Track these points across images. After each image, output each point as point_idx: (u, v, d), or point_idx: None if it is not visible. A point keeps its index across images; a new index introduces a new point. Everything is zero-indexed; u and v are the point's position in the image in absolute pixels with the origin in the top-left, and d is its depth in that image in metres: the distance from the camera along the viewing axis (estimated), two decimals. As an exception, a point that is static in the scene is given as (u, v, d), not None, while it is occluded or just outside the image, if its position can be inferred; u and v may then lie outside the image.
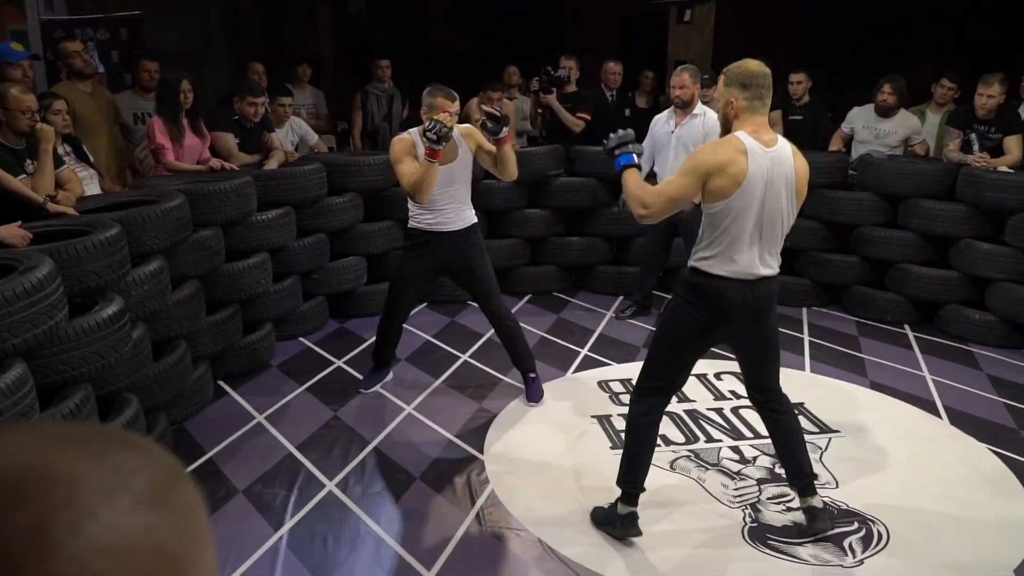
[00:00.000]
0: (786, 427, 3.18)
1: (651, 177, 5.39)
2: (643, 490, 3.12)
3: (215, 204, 4.46)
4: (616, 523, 3.13)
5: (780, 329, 5.57)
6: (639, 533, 3.10)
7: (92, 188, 4.54)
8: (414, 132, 4.10)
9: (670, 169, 5.26)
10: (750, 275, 2.90)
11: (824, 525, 3.11)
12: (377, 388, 4.57)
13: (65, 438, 0.49)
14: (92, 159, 4.67)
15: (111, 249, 3.32)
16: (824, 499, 3.23)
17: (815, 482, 3.17)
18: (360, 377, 4.69)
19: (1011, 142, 5.46)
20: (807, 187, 2.99)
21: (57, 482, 0.45)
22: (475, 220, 4.26)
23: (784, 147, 2.89)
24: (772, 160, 2.82)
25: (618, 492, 3.12)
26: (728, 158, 2.78)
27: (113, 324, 3.15)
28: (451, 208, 4.12)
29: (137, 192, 4.34)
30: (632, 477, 3.10)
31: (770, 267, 2.95)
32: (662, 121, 5.54)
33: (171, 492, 0.50)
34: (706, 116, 5.24)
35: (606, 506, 3.22)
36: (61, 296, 2.93)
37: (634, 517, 3.10)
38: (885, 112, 5.95)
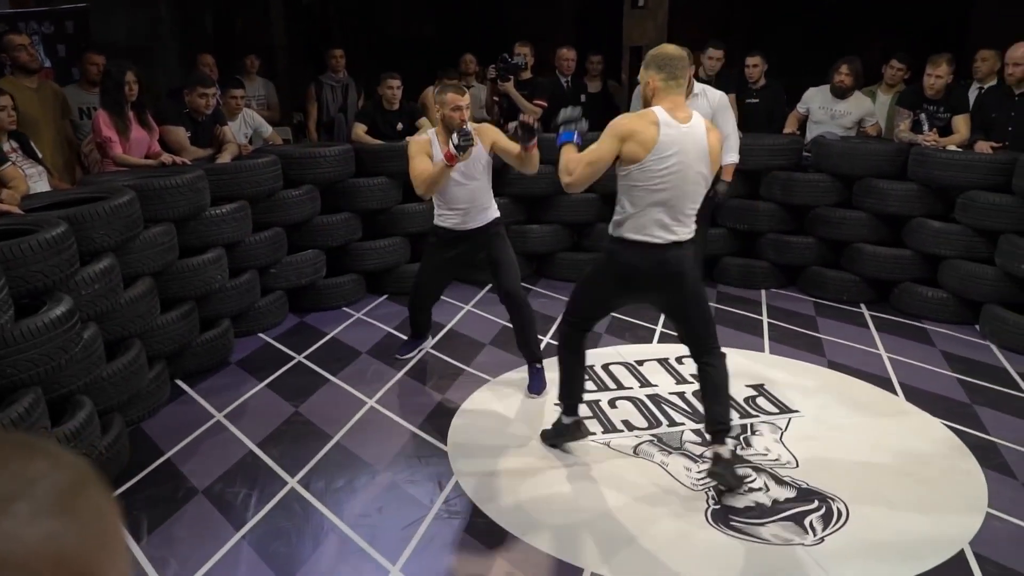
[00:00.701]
0: (712, 380, 3.41)
1: None
2: (582, 401, 3.70)
3: (167, 199, 4.37)
4: (566, 432, 3.68)
5: (739, 311, 5.67)
6: (589, 431, 3.74)
7: (41, 185, 4.43)
8: (432, 133, 4.23)
9: None
10: (660, 239, 3.15)
11: (719, 469, 3.30)
12: (339, 381, 4.53)
13: None
14: (40, 155, 4.55)
15: (58, 248, 3.23)
16: (731, 451, 3.43)
17: (728, 436, 3.38)
18: (324, 372, 4.65)
19: (959, 121, 5.56)
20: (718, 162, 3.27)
21: None
22: (497, 215, 4.37)
23: (698, 123, 3.15)
24: (683, 134, 3.07)
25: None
26: (640, 127, 3.06)
27: (62, 325, 3.07)
28: (473, 207, 4.23)
29: (85, 189, 4.24)
30: (568, 393, 3.66)
31: (677, 234, 3.17)
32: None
33: (77, 499, 0.48)
34: (706, 93, 5.26)
35: (551, 426, 3.75)
36: (6, 297, 2.85)
37: (579, 422, 3.68)
38: (841, 93, 6.03)
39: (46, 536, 0.45)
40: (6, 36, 5.15)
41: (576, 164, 3.15)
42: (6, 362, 2.87)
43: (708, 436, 3.46)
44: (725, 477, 3.30)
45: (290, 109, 8.07)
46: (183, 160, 5.00)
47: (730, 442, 3.42)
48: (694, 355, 3.47)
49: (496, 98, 6.72)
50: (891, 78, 6.32)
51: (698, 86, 5.31)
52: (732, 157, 5.34)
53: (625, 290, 3.35)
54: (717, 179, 5.23)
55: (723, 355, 3.44)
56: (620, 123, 3.10)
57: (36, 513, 0.45)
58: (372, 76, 6.64)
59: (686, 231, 3.19)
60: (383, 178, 5.89)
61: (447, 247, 4.34)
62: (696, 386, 4.38)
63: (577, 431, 3.67)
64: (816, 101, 6.22)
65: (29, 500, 0.45)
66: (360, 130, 6.10)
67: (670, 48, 3.21)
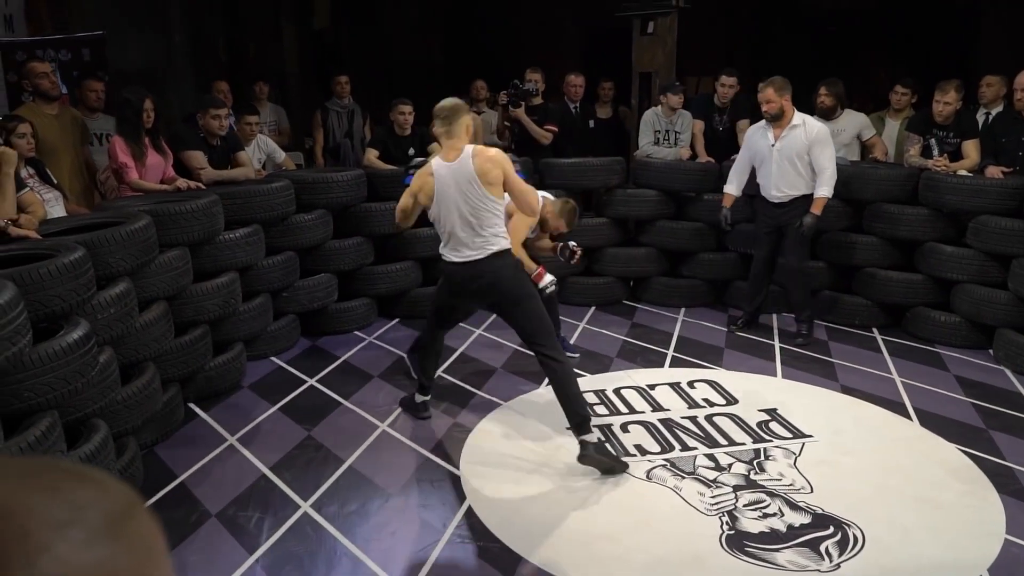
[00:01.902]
0: (556, 378, 3.77)
1: (750, 186, 5.66)
2: (432, 381, 4.38)
3: (181, 224, 4.41)
4: (416, 408, 4.38)
5: (751, 336, 5.66)
6: (429, 415, 4.35)
7: (58, 210, 4.48)
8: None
9: (774, 182, 5.39)
10: (463, 258, 3.79)
11: (589, 452, 3.64)
12: (351, 405, 4.54)
13: (17, 472, 0.49)
14: (56, 181, 4.60)
15: (76, 272, 3.26)
16: (599, 436, 3.85)
17: (590, 422, 3.70)
18: (336, 396, 4.67)
19: (969, 146, 5.57)
20: (496, 171, 3.68)
21: (10, 515, 0.45)
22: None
23: (464, 157, 3.70)
24: (452, 171, 3.71)
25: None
26: (420, 183, 3.87)
27: (79, 348, 3.09)
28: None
29: (102, 214, 4.28)
30: (424, 375, 4.36)
31: (470, 254, 3.78)
32: (758, 133, 5.50)
33: (126, 525, 0.49)
34: (806, 125, 5.25)
35: (415, 398, 4.38)
36: (25, 321, 2.87)
37: (426, 404, 4.38)
38: (825, 114, 6.04)
39: (99, 561, 0.46)
40: (29, 64, 5.22)
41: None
42: (24, 386, 2.89)
43: (573, 431, 3.77)
44: (599, 461, 3.64)
45: (302, 134, 8.14)
46: (198, 185, 5.05)
47: (596, 432, 3.78)
48: (529, 347, 3.92)
49: (507, 123, 6.77)
50: (897, 103, 6.34)
51: (798, 116, 5.29)
52: (822, 191, 5.27)
53: (458, 300, 4.11)
54: (806, 211, 5.30)
55: (559, 352, 3.84)
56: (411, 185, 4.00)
57: (90, 539, 0.47)
58: (383, 102, 6.71)
59: (476, 250, 3.76)
60: (395, 203, 5.90)
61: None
62: (709, 410, 4.40)
63: (423, 412, 4.37)
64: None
65: (82, 526, 0.47)
66: (372, 155, 6.15)
67: (445, 101, 3.85)
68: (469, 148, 3.72)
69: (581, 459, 3.65)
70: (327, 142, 7.03)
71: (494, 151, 3.79)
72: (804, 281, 5.64)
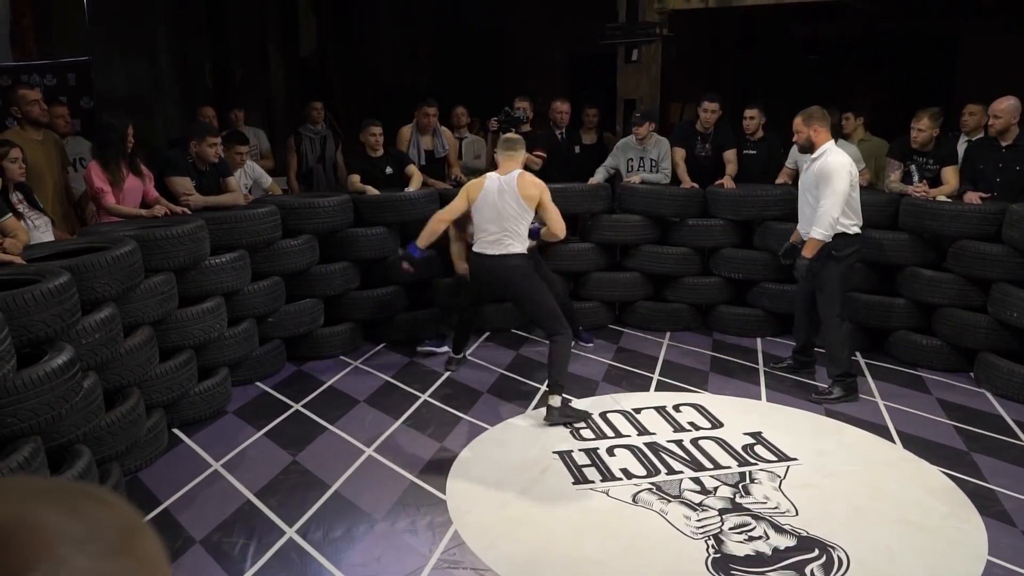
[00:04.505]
0: (553, 348, 4.63)
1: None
2: (464, 346, 5.59)
3: (167, 249, 4.41)
4: (448, 362, 5.59)
5: (735, 359, 5.69)
6: (455, 369, 5.50)
7: (46, 235, 4.47)
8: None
9: (802, 213, 5.12)
10: (485, 253, 4.73)
11: (555, 415, 4.51)
12: (337, 430, 4.53)
13: (34, 491, 0.52)
14: (42, 205, 4.60)
15: (60, 298, 3.26)
16: (561, 400, 4.57)
17: (562, 390, 4.57)
18: (322, 421, 4.66)
19: (948, 172, 5.65)
20: (537, 195, 4.67)
21: (33, 531, 0.48)
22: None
23: (513, 173, 4.72)
24: (500, 182, 4.72)
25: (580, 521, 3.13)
26: (473, 186, 4.85)
27: (63, 374, 3.08)
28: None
29: (87, 239, 4.28)
30: (458, 346, 5.53)
31: (491, 250, 4.70)
32: (802, 164, 5.27)
33: (137, 541, 0.53)
34: (824, 157, 4.84)
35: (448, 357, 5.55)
36: (9, 347, 2.86)
37: (456, 360, 5.57)
38: (803, 149, 5.91)
39: (114, 575, 0.49)
40: (19, 91, 5.22)
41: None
42: (7, 411, 2.88)
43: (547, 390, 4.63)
44: (564, 417, 4.53)
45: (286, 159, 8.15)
46: (182, 209, 5.05)
47: (558, 398, 4.54)
48: (536, 326, 5.04)
49: (496, 150, 6.82)
50: (848, 128, 6.58)
51: (824, 148, 4.87)
52: (814, 232, 4.83)
53: (481, 286, 5.01)
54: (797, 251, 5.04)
55: (561, 332, 4.62)
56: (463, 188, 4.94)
57: (106, 554, 0.50)
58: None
59: (501, 248, 4.67)
60: (381, 228, 5.94)
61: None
62: (694, 434, 4.42)
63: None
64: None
65: (98, 542, 0.50)
66: (355, 179, 6.16)
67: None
68: (517, 171, 4.74)
69: (549, 417, 4.53)
70: (300, 167, 7.05)
71: (540, 181, 4.78)
72: (836, 336, 5.02)
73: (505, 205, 4.64)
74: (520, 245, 4.70)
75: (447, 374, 5.44)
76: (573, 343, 5.19)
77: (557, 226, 4.77)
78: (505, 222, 4.65)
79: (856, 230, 4.95)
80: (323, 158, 7.07)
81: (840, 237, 4.85)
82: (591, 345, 6.07)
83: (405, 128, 6.79)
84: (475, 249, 4.80)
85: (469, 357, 5.79)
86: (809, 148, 4.95)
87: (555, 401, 4.54)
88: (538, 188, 4.68)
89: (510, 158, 4.78)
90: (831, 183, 4.75)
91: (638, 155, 6.53)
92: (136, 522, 0.54)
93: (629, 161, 6.57)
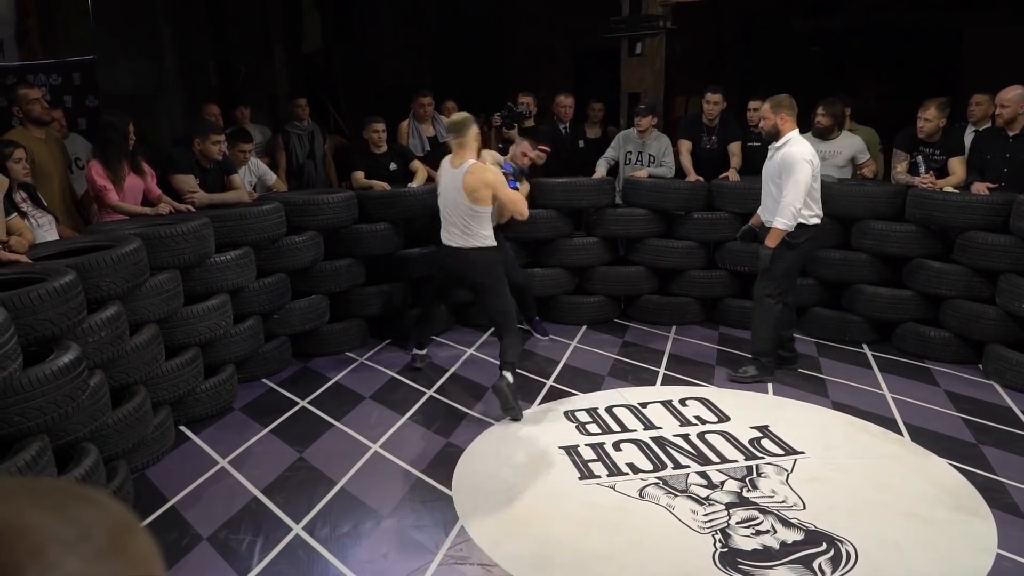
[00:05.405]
0: (503, 342, 4.69)
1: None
2: (426, 340, 5.57)
3: (172, 247, 4.41)
4: (412, 360, 5.54)
5: (741, 353, 5.68)
6: (421, 367, 5.47)
7: (51, 234, 4.48)
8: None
9: (764, 200, 5.11)
10: (448, 245, 4.70)
11: (502, 385, 4.47)
12: (343, 426, 4.54)
13: (24, 492, 0.52)
14: (46, 204, 4.61)
15: (66, 296, 3.26)
16: (509, 381, 4.53)
17: (514, 368, 4.61)
18: (328, 417, 4.66)
19: (955, 163, 5.63)
20: (486, 191, 4.51)
21: (22, 534, 0.47)
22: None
23: (463, 166, 4.53)
24: (452, 176, 4.58)
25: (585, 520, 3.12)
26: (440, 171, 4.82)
27: (69, 372, 3.09)
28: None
29: (92, 238, 4.28)
30: (420, 337, 5.50)
31: (456, 242, 4.65)
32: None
33: (129, 543, 0.52)
34: (788, 147, 4.84)
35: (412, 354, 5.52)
36: (15, 346, 2.87)
37: (420, 357, 5.51)
38: (822, 134, 6.08)
39: None
40: (21, 90, 5.23)
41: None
42: (14, 410, 2.88)
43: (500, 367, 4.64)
44: (504, 396, 4.47)
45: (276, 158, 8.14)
46: (186, 207, 5.06)
47: (508, 375, 4.54)
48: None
49: (500, 144, 6.81)
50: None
51: (788, 137, 4.87)
52: (776, 221, 4.86)
53: (446, 276, 4.98)
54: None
55: (510, 337, 4.67)
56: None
57: (99, 555, 0.49)
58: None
59: (462, 240, 4.62)
60: (385, 224, 5.94)
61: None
62: (701, 428, 4.41)
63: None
64: None
65: (90, 544, 0.49)
66: (359, 176, 6.16)
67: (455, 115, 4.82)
68: (468, 163, 4.51)
69: (494, 388, 4.58)
70: (290, 165, 7.05)
71: (490, 174, 4.52)
72: (762, 315, 5.17)
73: (458, 202, 4.57)
74: (489, 236, 4.65)
75: (452, 371, 5.43)
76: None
77: (514, 207, 4.64)
78: (463, 217, 4.58)
79: (816, 221, 5.00)
80: (312, 154, 7.07)
81: (798, 226, 4.90)
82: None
83: (403, 123, 6.82)
84: (444, 241, 4.73)
85: (474, 353, 5.79)
86: (775, 136, 4.96)
87: (508, 376, 4.53)
88: (484, 182, 4.47)
89: (459, 145, 4.58)
90: (793, 174, 4.79)
91: (637, 149, 6.52)
92: (128, 523, 0.54)
93: (628, 154, 6.57)
